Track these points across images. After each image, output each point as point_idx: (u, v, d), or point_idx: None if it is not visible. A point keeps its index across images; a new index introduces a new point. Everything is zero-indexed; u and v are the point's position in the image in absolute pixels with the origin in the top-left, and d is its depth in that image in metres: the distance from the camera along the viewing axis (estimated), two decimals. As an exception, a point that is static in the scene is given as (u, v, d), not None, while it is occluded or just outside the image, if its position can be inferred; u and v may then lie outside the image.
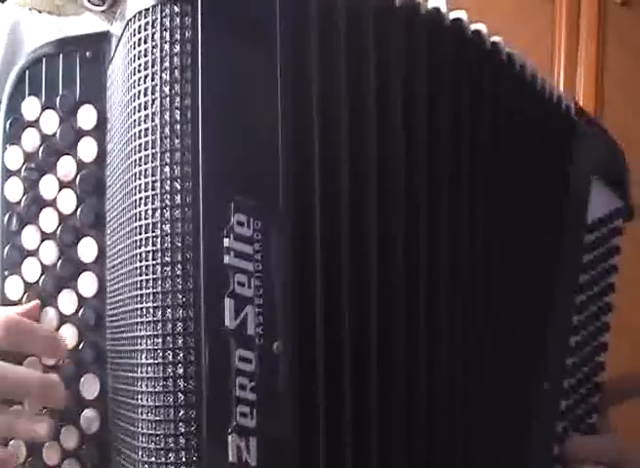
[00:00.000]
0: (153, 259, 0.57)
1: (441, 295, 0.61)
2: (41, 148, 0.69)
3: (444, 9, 0.65)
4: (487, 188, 0.65)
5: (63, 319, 0.66)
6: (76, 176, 0.68)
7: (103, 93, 0.69)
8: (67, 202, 0.68)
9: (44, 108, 0.70)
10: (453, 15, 0.65)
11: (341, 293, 0.58)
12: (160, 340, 0.56)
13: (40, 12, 0.84)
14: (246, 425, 0.55)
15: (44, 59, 0.71)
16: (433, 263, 0.61)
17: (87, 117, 0.69)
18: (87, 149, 0.68)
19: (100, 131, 0.68)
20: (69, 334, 0.66)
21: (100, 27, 0.82)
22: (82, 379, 0.65)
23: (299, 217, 0.57)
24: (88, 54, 0.70)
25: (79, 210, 0.67)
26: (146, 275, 0.57)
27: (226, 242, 0.56)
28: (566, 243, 0.73)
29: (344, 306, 0.58)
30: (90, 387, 0.65)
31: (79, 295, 0.67)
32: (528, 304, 0.69)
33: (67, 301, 0.66)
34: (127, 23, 0.62)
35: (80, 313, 0.66)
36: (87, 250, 0.67)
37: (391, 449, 0.59)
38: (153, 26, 0.60)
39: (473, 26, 0.67)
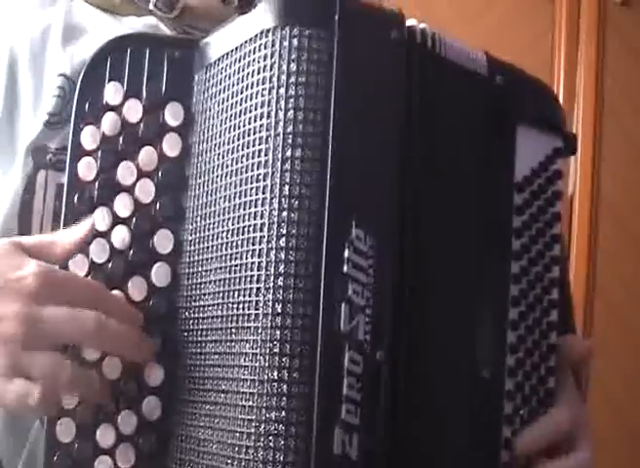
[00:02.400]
0: (270, 256, 0.60)
1: None
2: (122, 134, 0.70)
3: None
4: None
5: (131, 305, 0.67)
6: (157, 168, 0.70)
7: (191, 94, 0.71)
8: (146, 191, 0.69)
9: (127, 96, 0.71)
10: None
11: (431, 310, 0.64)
12: (277, 332, 0.59)
13: (94, 5, 0.84)
14: (351, 422, 0.59)
15: (129, 49, 0.72)
16: None
17: (174, 114, 0.71)
18: (171, 144, 0.70)
19: (186, 129, 0.71)
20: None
21: (162, 31, 0.84)
22: (147, 366, 0.66)
23: (405, 237, 0.63)
24: (176, 54, 0.72)
25: (158, 201, 0.69)
26: (264, 270, 0.60)
27: (347, 253, 0.61)
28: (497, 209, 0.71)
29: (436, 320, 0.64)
30: (153, 375, 0.66)
31: (150, 284, 0.68)
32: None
33: (137, 288, 0.67)
34: (250, 39, 0.65)
35: (150, 302, 0.67)
36: (163, 241, 0.68)
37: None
38: (281, 46, 0.64)
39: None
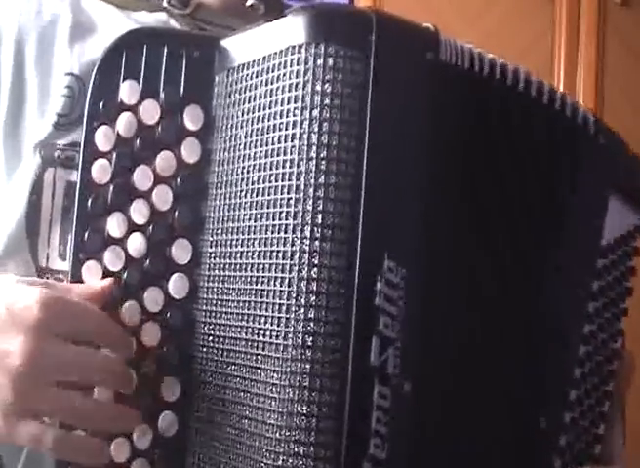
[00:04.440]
0: (300, 286, 0.60)
1: None
2: (138, 137, 0.68)
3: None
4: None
5: (147, 316, 0.66)
6: (175, 174, 0.68)
7: (211, 97, 0.69)
8: (163, 198, 0.67)
9: (144, 96, 0.69)
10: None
11: (463, 345, 0.64)
12: (307, 366, 0.59)
13: (104, 0, 0.80)
14: (378, 457, 0.59)
15: (145, 46, 0.69)
16: None
17: (194, 117, 0.69)
18: (191, 150, 0.68)
19: (205, 134, 0.69)
20: (152, 333, 0.66)
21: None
22: (163, 381, 0.65)
23: (437, 271, 0.63)
24: (196, 54, 0.70)
25: (177, 209, 0.67)
26: (293, 300, 0.60)
27: (379, 285, 0.60)
28: (576, 266, 0.72)
29: (466, 356, 0.64)
30: (170, 390, 0.66)
31: (168, 295, 0.67)
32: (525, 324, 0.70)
33: (154, 299, 0.66)
34: (280, 52, 0.63)
35: (167, 314, 0.66)
36: (181, 251, 0.67)
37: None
38: (315, 64, 0.61)
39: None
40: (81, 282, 0.66)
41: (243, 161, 0.65)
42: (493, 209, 0.68)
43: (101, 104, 0.68)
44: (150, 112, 0.68)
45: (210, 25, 0.80)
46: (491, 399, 0.68)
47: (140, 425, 0.64)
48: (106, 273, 0.66)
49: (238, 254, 0.64)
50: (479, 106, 0.67)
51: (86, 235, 0.67)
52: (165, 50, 0.69)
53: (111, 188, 0.67)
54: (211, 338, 0.65)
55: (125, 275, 0.66)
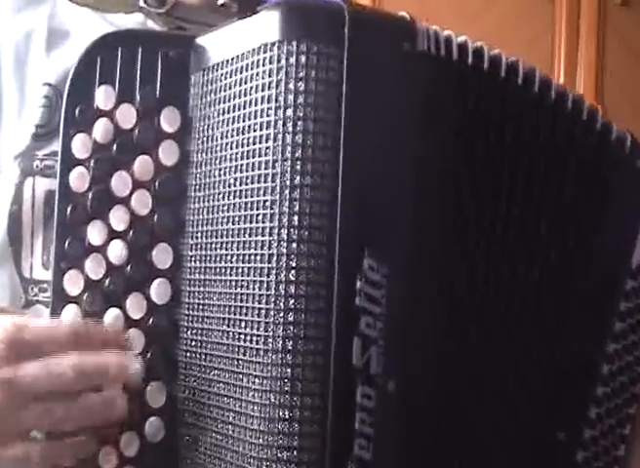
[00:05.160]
0: (278, 290, 0.59)
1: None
2: (115, 142, 0.67)
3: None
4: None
5: (130, 323, 0.66)
6: (154, 178, 0.67)
7: (187, 97, 0.68)
8: (143, 203, 0.67)
9: (120, 101, 0.68)
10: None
11: (449, 343, 0.63)
12: (288, 370, 0.58)
13: (79, 5, 0.80)
14: (363, 457, 0.59)
15: (120, 49, 0.69)
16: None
17: (171, 119, 0.68)
18: (169, 152, 0.68)
19: (183, 136, 0.68)
20: (136, 340, 0.65)
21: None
22: (148, 387, 0.65)
23: (420, 267, 0.62)
24: (171, 54, 0.69)
25: (156, 213, 0.67)
26: (272, 304, 0.59)
27: (359, 284, 0.59)
28: (604, 288, 0.72)
29: (452, 353, 0.63)
30: (156, 396, 0.65)
31: (150, 301, 0.66)
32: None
33: (136, 305, 0.66)
34: (253, 50, 0.62)
35: (150, 320, 0.66)
36: (162, 256, 0.67)
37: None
38: (287, 62, 0.60)
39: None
40: (63, 291, 0.65)
41: (220, 163, 0.64)
42: (485, 205, 0.67)
43: (77, 112, 0.67)
44: (127, 116, 0.67)
45: (188, 23, 0.79)
46: (487, 399, 0.67)
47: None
48: (87, 281, 0.66)
49: (218, 258, 0.63)
50: (464, 97, 0.66)
51: (66, 244, 0.66)
52: (140, 51, 0.68)
53: (90, 196, 0.66)
54: (194, 343, 0.65)
55: (106, 283, 0.66)
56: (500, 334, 0.66)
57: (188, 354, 0.65)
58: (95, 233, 0.66)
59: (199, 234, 0.66)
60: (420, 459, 0.62)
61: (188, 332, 0.65)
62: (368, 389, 0.59)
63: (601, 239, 0.72)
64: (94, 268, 0.66)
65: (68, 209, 0.66)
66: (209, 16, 0.77)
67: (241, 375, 0.60)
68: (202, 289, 0.65)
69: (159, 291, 0.66)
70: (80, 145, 0.67)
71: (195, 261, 0.66)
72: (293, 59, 0.60)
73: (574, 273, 0.71)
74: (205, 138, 0.66)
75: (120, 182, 0.67)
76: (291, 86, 0.60)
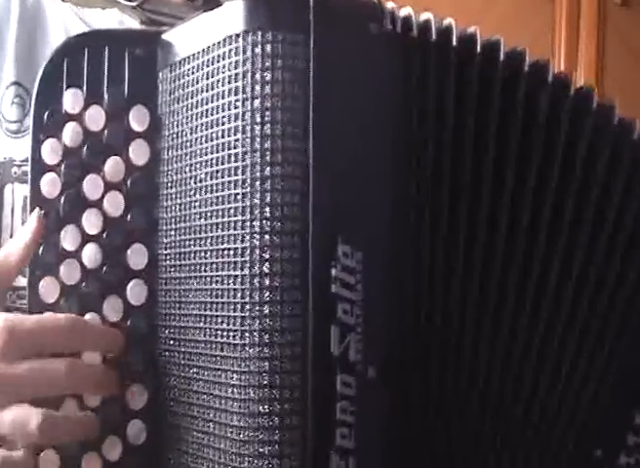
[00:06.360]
0: (253, 283, 0.58)
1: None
2: (85, 145, 0.67)
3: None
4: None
5: (108, 326, 0.65)
6: (125, 179, 0.66)
7: (155, 95, 0.67)
8: (115, 205, 0.66)
9: (88, 103, 0.67)
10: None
11: (433, 323, 0.62)
12: (266, 364, 0.57)
13: (64, 0, 0.80)
14: (346, 446, 0.58)
15: (86, 50, 0.68)
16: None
17: (140, 118, 0.67)
18: (139, 151, 0.67)
19: (153, 134, 0.67)
20: (114, 343, 0.64)
21: (127, 24, 0.80)
22: (129, 390, 0.64)
23: (396, 251, 0.61)
24: (138, 51, 0.68)
25: (129, 214, 0.66)
26: (248, 297, 0.58)
27: (334, 272, 0.58)
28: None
29: (435, 335, 0.62)
30: (137, 398, 0.64)
31: (127, 303, 0.65)
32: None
33: (113, 308, 0.65)
34: (218, 43, 0.61)
35: (128, 321, 0.65)
36: (137, 256, 0.66)
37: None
38: (253, 53, 0.59)
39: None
40: (39, 299, 0.65)
41: (191, 158, 0.64)
42: (460, 184, 0.65)
43: (46, 117, 0.67)
44: (95, 118, 0.67)
45: (161, 16, 0.79)
46: (472, 383, 0.66)
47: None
48: (63, 287, 0.65)
49: (192, 255, 0.63)
50: (437, 78, 0.64)
51: (40, 251, 0.65)
52: (107, 51, 0.67)
53: (62, 201, 0.66)
54: (172, 342, 0.64)
55: (82, 287, 0.65)
56: (485, 317, 0.65)
57: (167, 353, 0.64)
58: (68, 238, 0.65)
59: (173, 232, 0.65)
60: (403, 446, 0.61)
61: (166, 332, 0.64)
62: (348, 377, 0.58)
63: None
64: (68, 274, 0.65)
65: (41, 215, 0.66)
66: (181, 8, 0.77)
67: (220, 372, 0.59)
68: (178, 287, 0.64)
69: (135, 292, 0.65)
70: (50, 151, 0.66)
71: (170, 260, 0.65)
72: (258, 49, 0.60)
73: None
74: (175, 135, 0.65)
75: (92, 186, 0.66)
76: (257, 76, 0.59)
